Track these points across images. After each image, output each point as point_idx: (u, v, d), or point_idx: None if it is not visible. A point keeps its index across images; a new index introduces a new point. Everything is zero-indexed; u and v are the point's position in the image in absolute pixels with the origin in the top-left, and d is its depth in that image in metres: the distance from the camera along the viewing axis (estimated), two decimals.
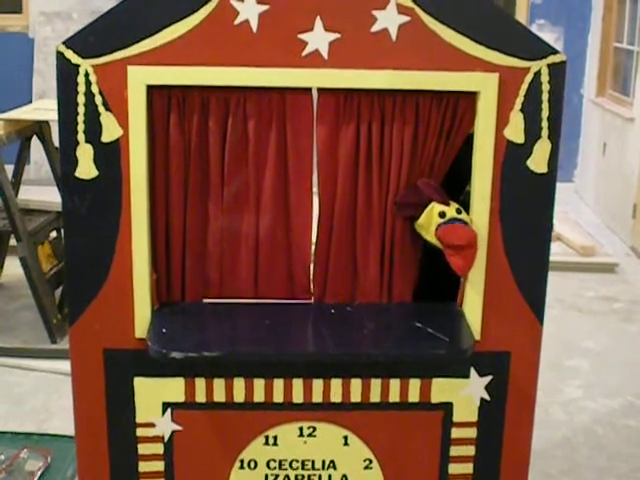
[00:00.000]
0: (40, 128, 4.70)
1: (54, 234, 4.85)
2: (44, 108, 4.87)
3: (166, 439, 2.11)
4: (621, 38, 7.38)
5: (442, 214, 2.01)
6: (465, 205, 2.05)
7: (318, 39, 1.90)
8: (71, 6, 7.72)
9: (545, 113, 1.96)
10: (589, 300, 5.43)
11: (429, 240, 2.06)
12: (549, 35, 7.52)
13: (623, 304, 5.38)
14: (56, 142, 4.07)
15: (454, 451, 2.16)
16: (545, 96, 1.95)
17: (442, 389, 2.11)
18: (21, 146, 4.84)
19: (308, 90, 1.98)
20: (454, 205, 2.03)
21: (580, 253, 6.10)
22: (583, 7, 7.79)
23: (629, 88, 7.05)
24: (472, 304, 2.06)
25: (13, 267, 4.96)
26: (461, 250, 1.99)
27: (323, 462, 2.15)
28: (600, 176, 7.34)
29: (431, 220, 2.02)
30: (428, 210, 2.03)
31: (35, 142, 4.81)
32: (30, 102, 6.47)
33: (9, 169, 4.47)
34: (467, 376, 2.11)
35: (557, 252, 5.89)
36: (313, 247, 2.11)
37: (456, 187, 2.12)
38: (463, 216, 2.02)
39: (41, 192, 5.14)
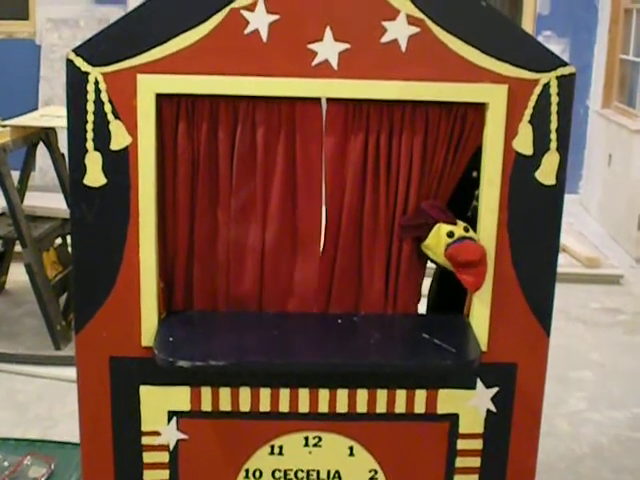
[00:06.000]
0: (46, 135, 4.71)
1: (59, 241, 4.85)
2: (50, 115, 4.89)
3: (171, 448, 2.11)
4: (627, 50, 7.39)
5: (450, 234, 2.01)
6: (473, 221, 2.05)
7: (328, 49, 1.90)
8: (78, 13, 7.75)
9: (554, 125, 1.96)
10: (594, 312, 5.43)
11: (437, 261, 2.06)
12: (555, 47, 7.52)
13: (628, 316, 5.38)
14: (62, 149, 4.09)
15: (460, 462, 2.15)
16: (554, 108, 1.95)
17: (448, 400, 2.10)
18: (27, 152, 4.85)
19: (317, 100, 1.98)
20: (461, 224, 2.03)
21: (585, 265, 6.10)
22: (589, 19, 7.80)
23: (635, 100, 7.06)
24: (479, 315, 2.06)
25: (18, 273, 4.97)
26: (472, 267, 1.99)
27: (328, 472, 2.14)
28: (605, 188, 7.33)
29: (439, 241, 2.02)
30: (435, 231, 2.02)
31: (41, 148, 4.82)
32: (36, 108, 6.48)
33: (15, 175, 4.48)
34: (473, 387, 2.10)
35: (562, 263, 5.82)
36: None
37: (464, 203, 2.12)
38: (471, 234, 2.02)
39: (46, 199, 5.14)
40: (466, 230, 2.02)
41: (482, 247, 2.00)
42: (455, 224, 2.03)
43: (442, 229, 2.02)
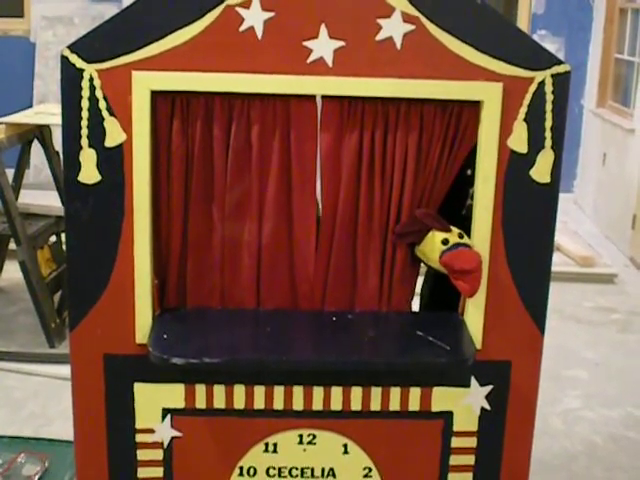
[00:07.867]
0: (41, 132, 4.70)
1: (54, 238, 4.85)
2: (45, 112, 4.88)
3: (165, 445, 2.11)
4: (622, 49, 7.40)
5: (445, 241, 2.01)
6: (468, 219, 2.05)
7: (323, 46, 1.90)
8: (72, 11, 7.74)
9: (549, 123, 1.96)
10: (588, 310, 5.43)
11: (431, 266, 2.07)
12: (550, 46, 7.52)
13: (622, 315, 5.38)
14: (57, 146, 4.08)
15: (454, 460, 2.15)
16: (549, 106, 1.95)
17: (442, 398, 2.11)
18: (22, 150, 4.84)
19: (312, 97, 1.97)
20: (455, 230, 2.03)
21: (579, 264, 6.10)
22: (584, 18, 7.81)
23: (629, 99, 7.06)
24: (473, 313, 2.06)
25: (12, 271, 4.96)
26: (468, 274, 1.99)
27: (322, 470, 2.14)
28: (600, 187, 7.34)
29: (433, 247, 2.03)
30: (429, 238, 2.03)
31: (35, 146, 4.81)
32: (31, 106, 6.48)
33: (9, 173, 4.47)
34: (468, 385, 2.11)
35: (556, 262, 5.85)
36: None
37: (458, 201, 2.12)
38: (465, 240, 2.02)
39: (41, 196, 5.14)
40: (460, 237, 2.03)
41: (477, 254, 2.00)
42: (449, 231, 2.03)
43: (436, 236, 2.02)
